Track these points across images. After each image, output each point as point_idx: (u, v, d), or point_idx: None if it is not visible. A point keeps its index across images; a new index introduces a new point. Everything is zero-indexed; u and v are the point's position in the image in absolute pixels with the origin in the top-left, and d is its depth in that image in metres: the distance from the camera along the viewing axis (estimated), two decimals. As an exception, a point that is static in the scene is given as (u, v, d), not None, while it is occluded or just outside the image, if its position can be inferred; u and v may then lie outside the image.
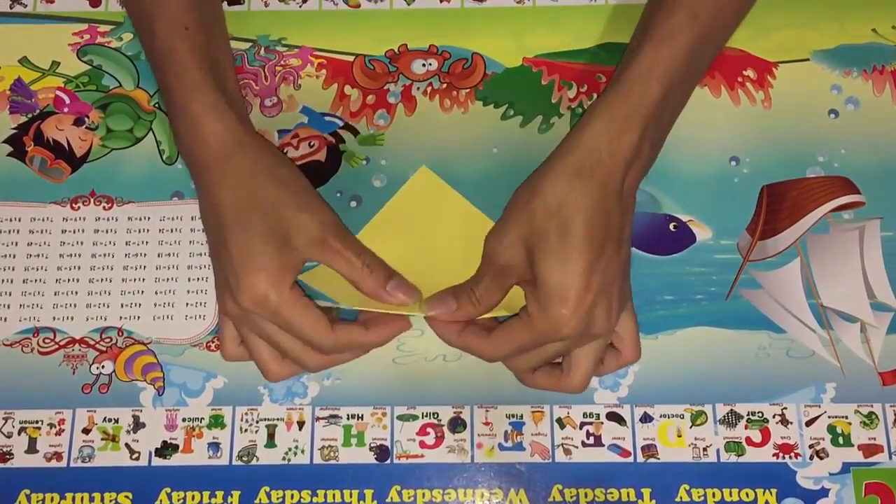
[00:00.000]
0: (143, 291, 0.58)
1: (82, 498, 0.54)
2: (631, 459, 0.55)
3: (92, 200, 0.59)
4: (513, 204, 0.51)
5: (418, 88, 0.62)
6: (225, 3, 0.63)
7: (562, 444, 0.55)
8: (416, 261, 0.54)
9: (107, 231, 0.59)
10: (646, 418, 0.55)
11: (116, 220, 0.59)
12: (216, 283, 0.53)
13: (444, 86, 0.62)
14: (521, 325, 0.49)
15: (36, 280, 0.58)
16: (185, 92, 0.52)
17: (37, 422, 0.55)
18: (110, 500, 0.54)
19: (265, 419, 0.55)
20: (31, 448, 0.55)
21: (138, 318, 0.57)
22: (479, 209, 0.57)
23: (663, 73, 0.51)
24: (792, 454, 0.55)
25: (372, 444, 0.55)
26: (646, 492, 0.54)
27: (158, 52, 0.54)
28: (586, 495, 0.54)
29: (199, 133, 0.52)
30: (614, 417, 0.55)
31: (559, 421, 0.55)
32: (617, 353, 0.53)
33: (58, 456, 0.55)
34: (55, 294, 0.58)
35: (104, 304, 0.57)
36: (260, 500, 0.54)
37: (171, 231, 0.59)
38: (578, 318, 0.48)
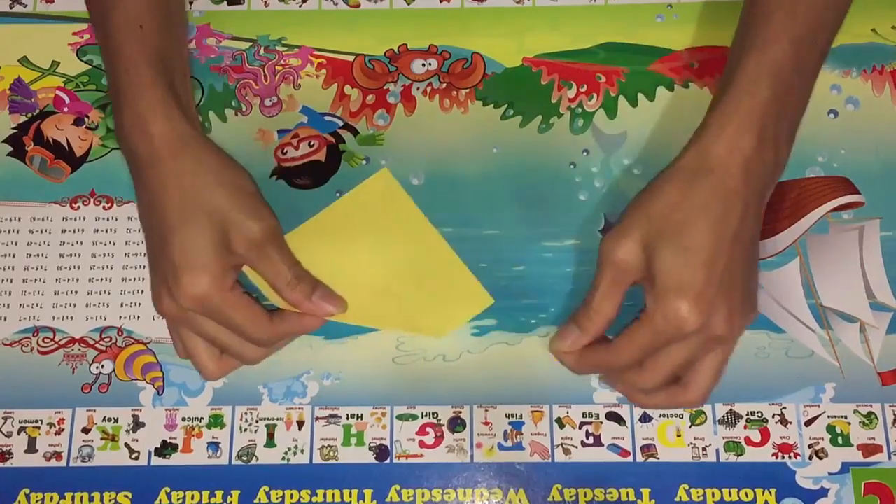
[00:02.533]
0: (142, 291, 0.58)
1: (82, 497, 0.54)
2: (630, 459, 0.55)
3: (92, 200, 0.59)
4: (631, 207, 0.51)
5: (418, 88, 0.62)
6: (225, 2, 0.63)
7: (561, 444, 0.55)
8: (354, 261, 0.54)
9: (107, 231, 0.59)
10: (645, 418, 0.55)
11: (116, 219, 0.59)
12: (152, 283, 0.52)
13: (444, 86, 0.62)
14: (640, 325, 0.48)
15: (36, 280, 0.58)
16: (132, 88, 0.52)
17: (36, 421, 0.55)
18: (110, 500, 0.54)
19: (265, 419, 0.55)
20: (31, 447, 0.55)
21: (138, 317, 0.57)
22: (432, 224, 0.55)
23: (771, 75, 0.51)
24: (791, 454, 0.55)
25: (371, 444, 0.55)
26: (645, 492, 0.54)
27: (111, 48, 0.54)
28: (586, 495, 0.54)
29: (144, 130, 0.51)
30: (614, 417, 0.55)
31: (559, 421, 0.55)
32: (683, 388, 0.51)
33: (57, 455, 0.55)
34: (55, 294, 0.58)
35: (104, 304, 0.57)
36: (259, 499, 0.54)
37: (171, 231, 0.59)
38: (699, 312, 0.47)
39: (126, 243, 0.59)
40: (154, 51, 0.53)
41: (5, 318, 0.57)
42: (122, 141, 0.53)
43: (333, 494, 0.54)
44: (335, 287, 0.53)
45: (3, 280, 0.58)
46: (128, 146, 0.52)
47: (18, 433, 0.55)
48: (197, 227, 0.49)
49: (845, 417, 0.55)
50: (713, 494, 0.54)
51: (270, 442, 0.55)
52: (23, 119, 0.61)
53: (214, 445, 0.55)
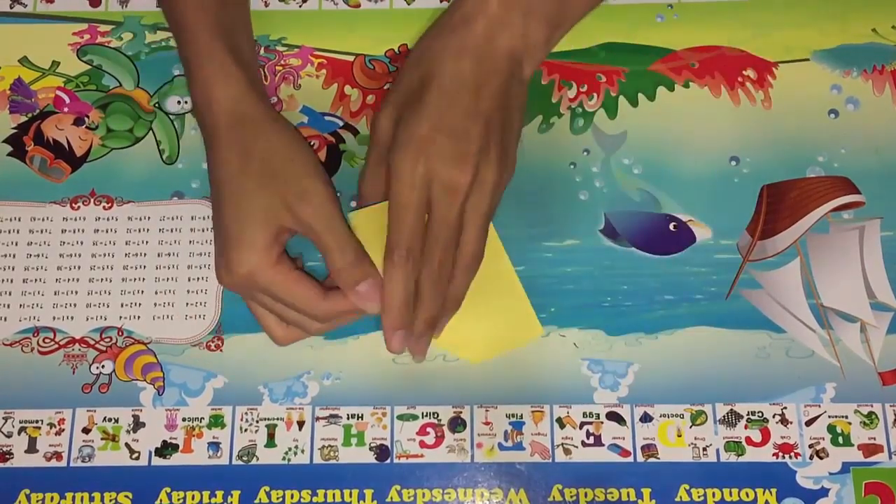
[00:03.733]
0: (143, 291, 0.58)
1: (82, 498, 0.54)
2: (631, 459, 0.55)
3: (92, 200, 0.59)
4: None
5: (418, 88, 0.62)
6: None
7: (562, 444, 0.55)
8: None
9: (107, 231, 0.59)
10: (646, 418, 0.55)
11: (116, 219, 0.59)
12: (215, 251, 0.53)
13: (444, 86, 0.62)
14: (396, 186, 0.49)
15: (36, 280, 0.58)
16: (196, 58, 0.53)
17: (37, 421, 0.55)
18: (110, 500, 0.54)
19: (265, 419, 0.55)
20: (31, 448, 0.55)
21: (138, 317, 0.57)
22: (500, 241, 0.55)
23: None
24: (792, 454, 0.55)
25: (372, 444, 0.55)
26: (646, 492, 0.54)
27: (178, 24, 0.55)
28: (586, 495, 0.54)
29: (207, 98, 0.53)
30: (614, 417, 0.55)
31: (559, 421, 0.55)
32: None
33: (58, 456, 0.55)
34: (55, 294, 0.58)
35: (104, 304, 0.57)
36: (260, 499, 0.54)
37: (171, 231, 0.59)
38: (419, 156, 0.48)
39: (126, 243, 0.59)
40: (215, 20, 0.54)
41: (5, 318, 0.57)
42: (195, 110, 0.55)
43: (334, 494, 0.54)
44: None
45: (3, 280, 0.58)
46: (198, 115, 0.54)
47: (19, 433, 0.55)
48: (246, 201, 0.50)
49: (846, 417, 0.55)
50: (714, 494, 0.54)
51: (271, 442, 0.55)
52: (23, 119, 0.61)
53: (215, 445, 0.55)
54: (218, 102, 0.52)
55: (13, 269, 0.58)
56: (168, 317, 0.57)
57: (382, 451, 0.55)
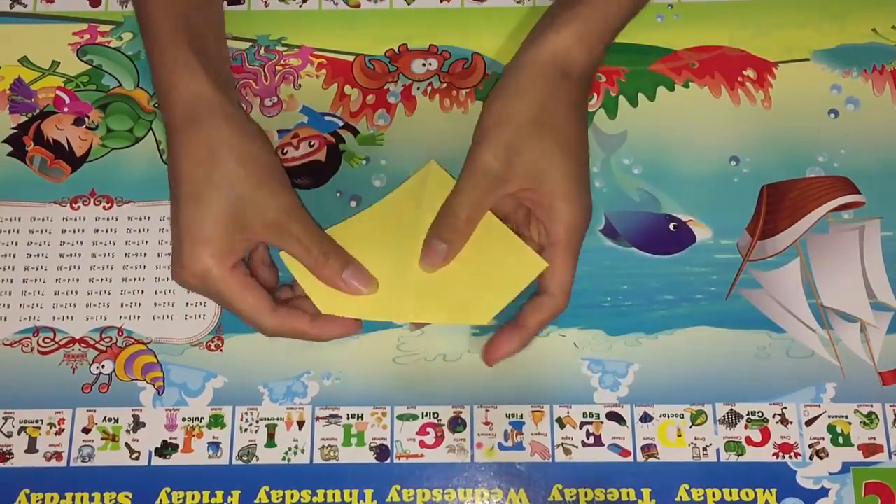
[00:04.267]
0: (143, 291, 0.58)
1: (82, 498, 0.54)
2: (631, 459, 0.55)
3: (92, 200, 0.59)
4: (491, 112, 0.53)
5: (418, 88, 0.62)
6: (225, 2, 0.63)
7: (562, 444, 0.55)
8: (406, 256, 0.52)
9: (107, 231, 0.59)
10: (646, 418, 0.55)
11: (116, 219, 0.59)
12: (172, 249, 0.52)
13: (444, 85, 0.62)
14: (555, 246, 0.52)
15: (36, 280, 0.58)
16: (156, 55, 0.53)
17: (37, 421, 0.55)
18: (110, 500, 0.54)
19: (265, 419, 0.55)
20: (31, 448, 0.55)
21: (138, 317, 0.57)
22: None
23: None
24: (792, 454, 0.55)
25: (372, 444, 0.55)
26: (646, 492, 0.54)
27: (141, 17, 0.55)
28: (586, 495, 0.54)
29: (166, 96, 0.52)
30: (614, 417, 0.55)
31: (559, 421, 0.55)
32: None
33: (58, 456, 0.55)
34: (55, 294, 0.58)
35: (104, 304, 0.57)
36: (260, 499, 0.54)
37: (171, 231, 0.59)
38: (586, 210, 0.53)
39: (126, 243, 0.59)
40: (180, 18, 0.53)
41: (5, 318, 0.57)
42: (159, 104, 0.54)
43: (334, 494, 0.54)
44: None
45: (3, 280, 0.58)
46: (161, 110, 0.53)
47: (19, 433, 0.55)
48: (205, 203, 0.49)
49: (846, 417, 0.55)
50: (714, 494, 0.54)
51: (271, 442, 0.55)
52: (23, 119, 0.61)
53: (215, 445, 0.55)
54: (176, 98, 0.51)
55: (13, 269, 0.58)
56: (168, 317, 0.57)
57: (382, 451, 0.55)
